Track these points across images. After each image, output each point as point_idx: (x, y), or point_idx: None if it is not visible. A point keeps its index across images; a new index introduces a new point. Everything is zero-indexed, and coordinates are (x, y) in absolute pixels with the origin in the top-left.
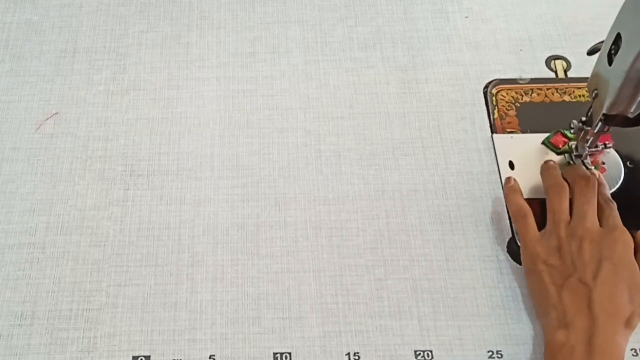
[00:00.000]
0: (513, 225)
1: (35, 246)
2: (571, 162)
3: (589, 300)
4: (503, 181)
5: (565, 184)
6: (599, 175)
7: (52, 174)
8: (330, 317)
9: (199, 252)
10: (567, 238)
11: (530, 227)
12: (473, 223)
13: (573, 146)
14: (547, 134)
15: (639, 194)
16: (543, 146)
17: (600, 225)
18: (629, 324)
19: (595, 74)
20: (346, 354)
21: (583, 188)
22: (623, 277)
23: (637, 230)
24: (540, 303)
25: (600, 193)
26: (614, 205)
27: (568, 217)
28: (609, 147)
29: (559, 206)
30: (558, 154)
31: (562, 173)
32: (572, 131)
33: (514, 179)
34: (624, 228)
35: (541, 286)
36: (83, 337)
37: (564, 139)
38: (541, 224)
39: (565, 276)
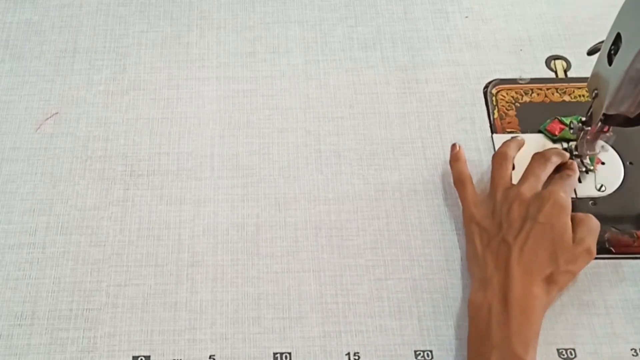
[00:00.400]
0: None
1: (35, 246)
2: (567, 149)
3: (507, 257)
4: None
5: (509, 154)
6: (572, 163)
7: (52, 174)
8: (330, 317)
9: (199, 252)
10: (501, 200)
11: (469, 192)
12: None
13: (573, 146)
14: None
15: (639, 193)
16: (543, 147)
17: None
18: (550, 281)
19: (595, 74)
20: (346, 354)
21: (535, 161)
22: (546, 235)
23: (637, 229)
24: (470, 265)
25: (562, 175)
26: (568, 181)
27: (508, 183)
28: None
29: (499, 172)
30: (554, 141)
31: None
32: (572, 131)
33: (459, 146)
34: (561, 193)
35: (470, 247)
36: (83, 337)
37: (560, 125)
38: None
39: (492, 236)
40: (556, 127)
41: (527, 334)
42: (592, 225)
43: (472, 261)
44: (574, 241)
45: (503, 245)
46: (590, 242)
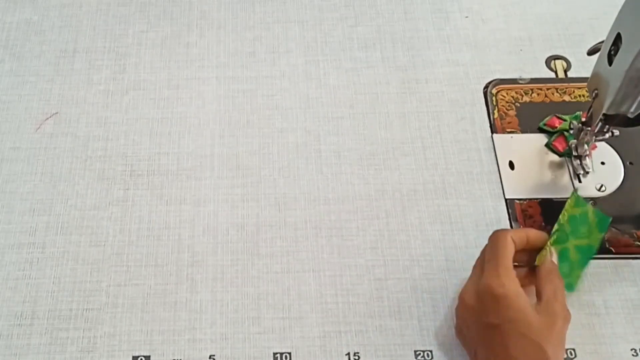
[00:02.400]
0: (513, 226)
1: (35, 246)
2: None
3: None
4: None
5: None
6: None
7: (52, 173)
8: (330, 317)
9: (199, 252)
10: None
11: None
12: (473, 223)
13: (573, 146)
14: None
15: (638, 193)
16: (543, 147)
17: None
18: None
19: (595, 74)
20: (346, 354)
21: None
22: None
23: (637, 229)
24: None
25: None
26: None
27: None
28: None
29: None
30: (551, 134)
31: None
32: (571, 132)
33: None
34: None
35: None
36: (83, 337)
37: (559, 119)
38: (542, 223)
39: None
40: (555, 121)
41: None
42: (557, 283)
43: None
44: (539, 311)
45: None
46: (559, 306)
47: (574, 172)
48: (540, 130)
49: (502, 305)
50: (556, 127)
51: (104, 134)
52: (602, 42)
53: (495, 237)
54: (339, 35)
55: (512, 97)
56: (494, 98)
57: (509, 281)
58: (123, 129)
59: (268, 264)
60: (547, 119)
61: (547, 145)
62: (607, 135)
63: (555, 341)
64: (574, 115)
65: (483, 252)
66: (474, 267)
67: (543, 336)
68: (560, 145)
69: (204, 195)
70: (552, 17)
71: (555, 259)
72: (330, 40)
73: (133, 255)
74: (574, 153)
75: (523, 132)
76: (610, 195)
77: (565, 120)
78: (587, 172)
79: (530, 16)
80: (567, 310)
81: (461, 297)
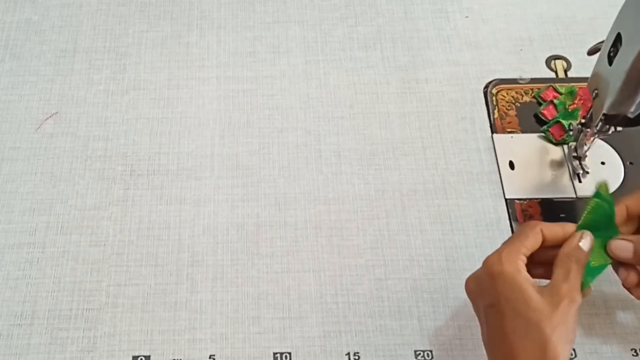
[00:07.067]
0: (513, 225)
1: (35, 246)
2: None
3: None
4: (503, 181)
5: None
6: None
7: (52, 173)
8: (330, 317)
9: (199, 252)
10: None
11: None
12: (473, 223)
13: (573, 147)
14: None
15: None
16: (543, 147)
17: None
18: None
19: (595, 74)
20: (346, 354)
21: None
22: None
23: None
24: None
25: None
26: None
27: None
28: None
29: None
30: (547, 125)
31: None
32: (571, 133)
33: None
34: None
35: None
36: (83, 337)
37: (555, 92)
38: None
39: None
40: (550, 94)
41: None
42: (571, 266)
43: None
44: (542, 292)
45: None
46: (567, 287)
47: (574, 172)
48: (537, 119)
49: (499, 283)
50: (551, 100)
51: (104, 134)
52: (602, 42)
53: (523, 225)
54: (339, 35)
55: (512, 97)
56: (494, 98)
57: (509, 260)
58: (123, 129)
59: (268, 264)
60: (542, 89)
61: (536, 114)
62: (609, 132)
63: (557, 322)
64: (569, 89)
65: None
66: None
67: (543, 316)
68: (556, 133)
69: (204, 195)
70: (552, 17)
71: (584, 244)
72: (330, 40)
73: (133, 255)
74: (574, 154)
75: (523, 132)
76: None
77: (561, 93)
78: (587, 172)
79: (530, 16)
80: (578, 293)
81: (465, 284)
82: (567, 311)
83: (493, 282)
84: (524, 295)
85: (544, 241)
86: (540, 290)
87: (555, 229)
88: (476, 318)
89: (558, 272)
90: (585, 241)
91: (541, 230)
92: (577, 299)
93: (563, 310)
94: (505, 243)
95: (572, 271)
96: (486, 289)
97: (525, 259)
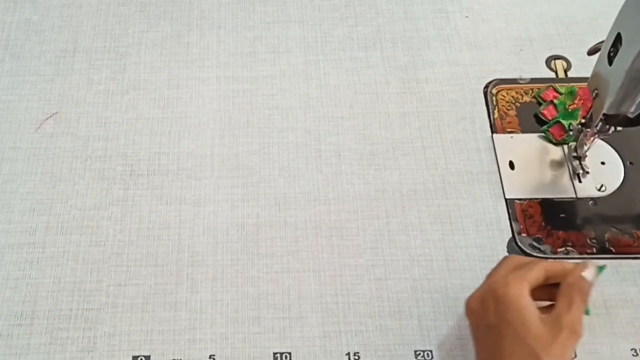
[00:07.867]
0: (513, 225)
1: (35, 246)
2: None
3: None
4: (503, 181)
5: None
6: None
7: (52, 173)
8: (330, 317)
9: (199, 252)
10: None
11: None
12: (473, 223)
13: (573, 147)
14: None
15: (638, 193)
16: (543, 147)
17: None
18: None
19: (595, 74)
20: (346, 354)
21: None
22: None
23: (637, 229)
24: None
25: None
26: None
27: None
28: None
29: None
30: (547, 124)
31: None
32: (571, 133)
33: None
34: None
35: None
36: (83, 337)
37: (554, 93)
38: (542, 223)
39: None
40: (550, 94)
41: None
42: (574, 297)
43: None
44: (544, 320)
45: None
46: (569, 319)
47: (574, 172)
48: (537, 119)
49: (502, 304)
50: (551, 100)
51: (104, 134)
52: (602, 42)
53: (529, 259)
54: (339, 35)
55: (512, 97)
56: (494, 98)
57: (515, 284)
58: (123, 129)
59: (268, 263)
60: (542, 89)
61: (536, 114)
62: (609, 132)
63: (555, 353)
64: (569, 89)
65: (499, 263)
66: (486, 276)
67: (542, 345)
68: (556, 133)
69: (204, 195)
70: (552, 17)
71: (587, 274)
72: (330, 40)
73: (133, 255)
74: (574, 154)
75: (523, 132)
76: (610, 195)
77: (561, 93)
78: (587, 172)
79: (530, 16)
80: (579, 326)
81: (466, 303)
82: (565, 343)
83: (497, 303)
84: (525, 321)
85: (547, 278)
86: (543, 318)
87: (557, 266)
88: None
89: (561, 301)
90: (589, 271)
91: (545, 268)
92: (578, 331)
93: (562, 342)
94: (510, 269)
95: (574, 302)
96: (490, 310)
97: (529, 287)
